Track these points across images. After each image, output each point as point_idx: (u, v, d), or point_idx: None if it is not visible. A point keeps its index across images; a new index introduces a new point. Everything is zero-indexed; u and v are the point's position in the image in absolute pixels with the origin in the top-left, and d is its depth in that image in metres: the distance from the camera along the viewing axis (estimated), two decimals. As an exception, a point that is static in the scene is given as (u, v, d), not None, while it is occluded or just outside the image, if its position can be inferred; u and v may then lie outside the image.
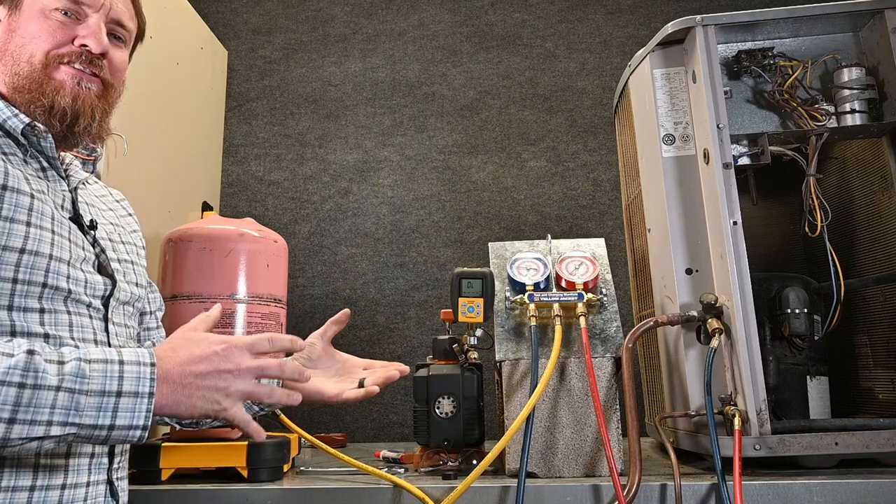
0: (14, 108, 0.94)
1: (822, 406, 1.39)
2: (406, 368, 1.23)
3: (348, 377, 1.23)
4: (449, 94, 2.59)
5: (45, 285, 0.89)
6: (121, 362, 0.80)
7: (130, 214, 1.20)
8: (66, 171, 1.01)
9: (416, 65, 2.62)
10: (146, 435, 0.80)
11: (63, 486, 0.88)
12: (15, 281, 0.86)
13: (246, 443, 1.30)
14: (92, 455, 0.92)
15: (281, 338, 0.91)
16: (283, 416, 1.39)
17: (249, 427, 0.87)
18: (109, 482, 0.96)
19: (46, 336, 0.88)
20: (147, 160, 1.90)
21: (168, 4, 2.11)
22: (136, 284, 1.08)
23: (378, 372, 1.22)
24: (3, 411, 0.74)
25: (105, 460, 0.95)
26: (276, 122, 2.60)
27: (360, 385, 1.18)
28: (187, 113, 2.24)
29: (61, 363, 0.78)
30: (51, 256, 0.90)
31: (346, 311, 1.28)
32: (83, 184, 1.05)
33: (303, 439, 1.45)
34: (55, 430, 0.76)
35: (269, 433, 1.45)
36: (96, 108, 0.98)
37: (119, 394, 0.78)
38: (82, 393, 0.77)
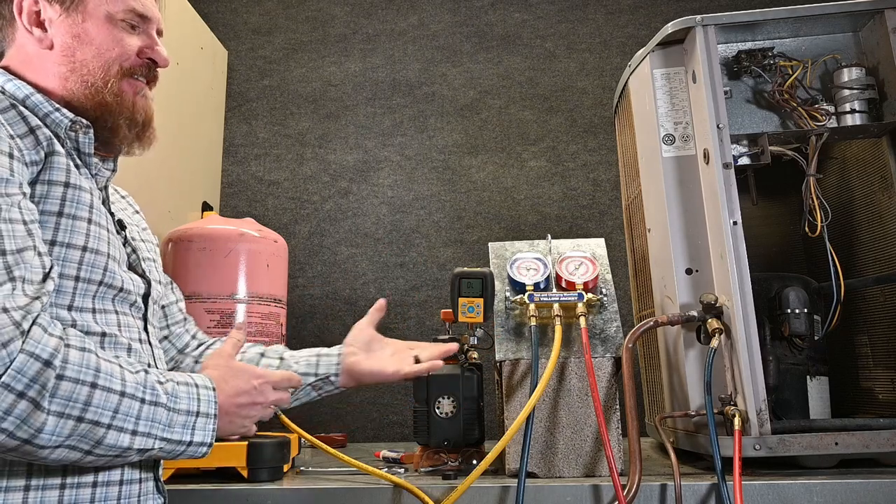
0: (54, 104, 0.93)
1: (822, 406, 1.39)
2: (456, 346, 1.30)
3: (399, 357, 1.28)
4: (449, 94, 2.59)
5: (101, 283, 0.90)
6: (196, 385, 0.90)
7: (138, 212, 1.21)
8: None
9: (416, 65, 2.62)
10: (209, 451, 0.90)
11: (120, 482, 0.91)
12: (77, 279, 0.88)
13: (246, 443, 1.30)
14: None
15: (296, 379, 1.07)
16: (282, 417, 1.39)
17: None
18: (156, 479, 0.99)
19: (103, 335, 0.90)
20: (147, 160, 1.90)
21: (168, 4, 2.11)
22: (160, 282, 1.10)
23: (429, 349, 1.29)
24: (129, 422, 0.80)
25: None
26: (276, 122, 2.60)
27: (417, 361, 1.26)
28: (187, 113, 2.24)
29: (160, 382, 0.85)
30: (108, 255, 0.92)
31: (383, 300, 1.37)
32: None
33: (303, 439, 1.45)
34: (157, 444, 0.84)
35: (270, 433, 1.45)
36: (153, 115, 1.03)
37: (197, 414, 0.87)
38: (175, 411, 0.85)
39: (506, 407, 1.32)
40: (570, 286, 1.37)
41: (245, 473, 1.29)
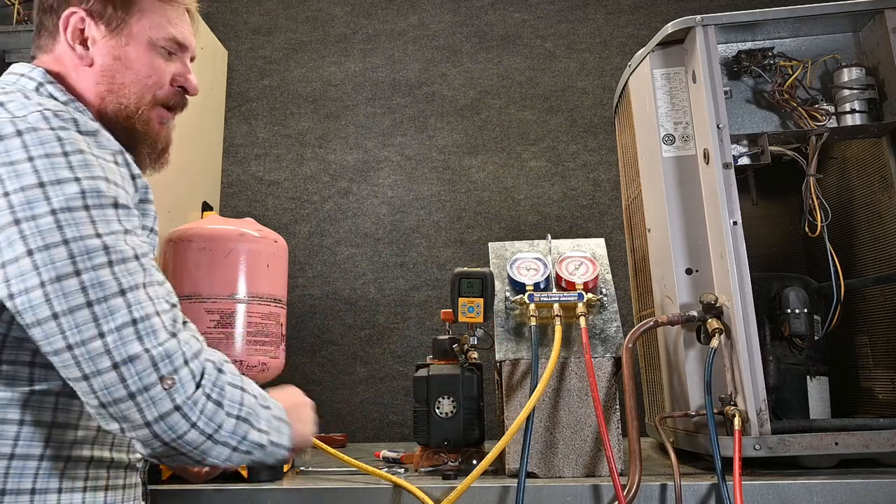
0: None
1: (822, 406, 1.39)
2: None
3: None
4: (449, 94, 2.59)
5: (174, 306, 0.91)
6: (266, 396, 0.95)
7: None
8: None
9: (416, 65, 2.62)
10: (288, 458, 0.96)
11: (107, 489, 0.92)
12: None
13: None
14: (112, 461, 0.94)
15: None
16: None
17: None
18: (143, 483, 1.01)
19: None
20: (147, 160, 1.90)
21: (168, 4, 2.10)
22: None
23: None
24: (262, 423, 0.88)
25: (140, 465, 0.99)
26: (276, 122, 2.60)
27: None
28: (187, 113, 2.23)
29: (262, 393, 0.93)
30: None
31: None
32: None
33: (303, 439, 1.45)
34: (267, 444, 0.90)
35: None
36: (172, 142, 1.06)
37: (282, 420, 0.93)
38: (277, 418, 0.92)
39: (506, 407, 1.32)
40: (570, 286, 1.37)
41: (245, 473, 1.29)
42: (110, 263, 0.80)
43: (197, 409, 0.81)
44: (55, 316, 0.77)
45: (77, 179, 0.81)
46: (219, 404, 0.83)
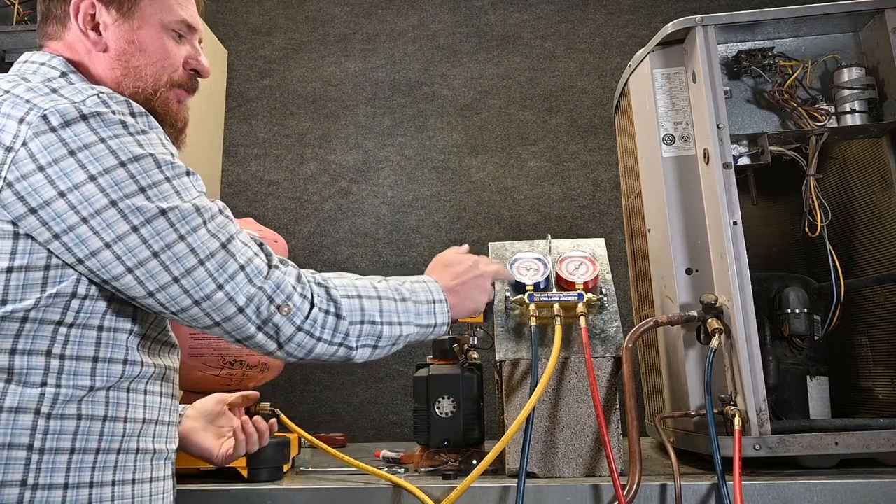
0: None
1: (822, 406, 1.39)
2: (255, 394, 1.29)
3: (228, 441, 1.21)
4: (449, 94, 2.58)
5: None
6: (425, 282, 1.09)
7: None
8: None
9: (416, 65, 2.62)
10: (450, 330, 1.11)
11: (151, 480, 0.94)
12: None
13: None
14: (154, 452, 0.95)
15: (502, 271, 1.23)
16: (283, 416, 1.39)
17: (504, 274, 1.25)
18: (174, 475, 1.02)
19: None
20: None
21: (168, 4, 2.10)
22: None
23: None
24: (394, 317, 1.01)
25: (173, 456, 1.01)
26: (276, 122, 2.60)
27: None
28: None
29: (401, 284, 1.05)
30: None
31: (256, 394, 1.29)
32: None
33: (303, 439, 1.45)
34: (414, 330, 1.04)
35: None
36: (188, 121, 1.07)
37: (434, 301, 1.07)
38: (419, 303, 1.05)
39: (506, 407, 1.32)
40: (570, 286, 1.37)
41: (245, 473, 1.29)
42: (205, 223, 0.88)
43: (318, 326, 0.93)
44: (175, 280, 0.86)
45: (152, 155, 0.87)
46: (338, 316, 0.95)
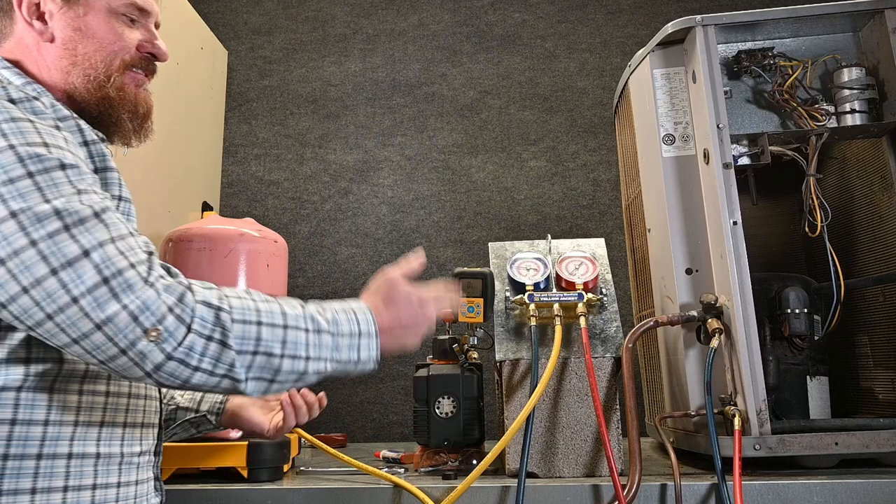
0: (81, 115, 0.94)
1: (822, 406, 1.39)
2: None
3: (276, 415, 1.23)
4: (449, 94, 2.58)
5: None
6: (353, 311, 0.96)
7: None
8: None
9: (416, 65, 2.62)
10: (377, 367, 0.97)
11: (118, 484, 0.91)
12: None
13: (246, 443, 1.30)
14: (140, 454, 0.94)
15: (452, 287, 1.16)
16: (283, 416, 1.39)
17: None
18: (156, 478, 1.00)
19: None
20: (147, 160, 1.90)
21: (168, 4, 2.11)
22: None
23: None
24: (300, 350, 0.88)
25: (153, 458, 0.99)
26: (276, 122, 2.60)
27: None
28: (187, 113, 2.24)
29: (320, 313, 0.93)
30: None
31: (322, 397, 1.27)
32: None
33: (303, 439, 1.45)
34: (329, 365, 0.91)
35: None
36: (153, 107, 1.03)
37: (359, 334, 0.94)
38: (338, 335, 0.92)
39: (506, 407, 1.32)
40: (570, 286, 1.37)
41: (245, 473, 1.29)
42: (66, 227, 0.78)
43: (196, 354, 0.80)
44: (25, 290, 0.76)
45: (11, 147, 0.79)
46: (223, 343, 0.81)
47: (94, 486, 0.88)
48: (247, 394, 0.86)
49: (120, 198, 0.92)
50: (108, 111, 0.97)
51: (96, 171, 0.90)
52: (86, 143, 0.90)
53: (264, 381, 0.86)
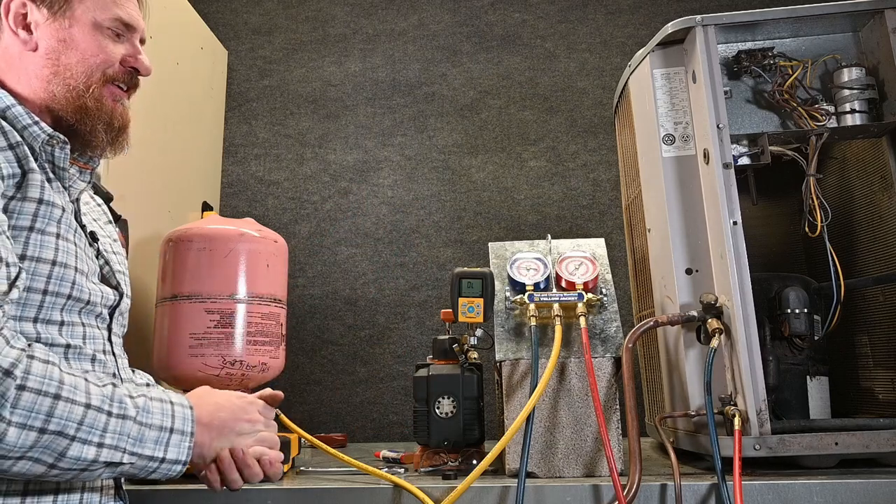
0: (34, 116, 0.93)
1: (822, 406, 1.39)
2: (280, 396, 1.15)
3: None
4: (449, 94, 2.58)
5: (69, 297, 0.90)
6: (171, 402, 0.87)
7: (110, 222, 1.20)
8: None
9: (416, 65, 2.62)
10: (184, 470, 0.87)
11: (82, 489, 0.90)
12: (45, 293, 0.88)
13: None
14: None
15: (280, 396, 1.09)
16: (282, 416, 1.38)
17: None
18: (117, 485, 0.99)
19: (68, 346, 0.90)
20: (147, 160, 1.90)
21: (168, 4, 2.11)
22: (128, 295, 1.09)
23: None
24: (94, 435, 0.78)
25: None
26: (276, 122, 2.60)
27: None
28: (187, 113, 2.24)
29: (131, 397, 0.83)
30: (76, 269, 0.92)
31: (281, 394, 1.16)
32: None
33: (303, 439, 1.45)
34: (125, 458, 0.81)
35: (269, 433, 1.44)
36: (129, 122, 1.04)
37: (171, 430, 0.85)
38: (146, 426, 0.83)
39: (506, 407, 1.32)
40: (570, 286, 1.37)
41: (245, 473, 1.29)
42: None
43: None
44: None
45: None
46: (6, 421, 0.73)
47: (57, 490, 0.86)
48: (14, 476, 0.77)
49: (40, 200, 0.89)
50: (84, 120, 0.97)
51: (24, 172, 0.88)
52: (11, 146, 0.88)
53: (43, 465, 0.77)
